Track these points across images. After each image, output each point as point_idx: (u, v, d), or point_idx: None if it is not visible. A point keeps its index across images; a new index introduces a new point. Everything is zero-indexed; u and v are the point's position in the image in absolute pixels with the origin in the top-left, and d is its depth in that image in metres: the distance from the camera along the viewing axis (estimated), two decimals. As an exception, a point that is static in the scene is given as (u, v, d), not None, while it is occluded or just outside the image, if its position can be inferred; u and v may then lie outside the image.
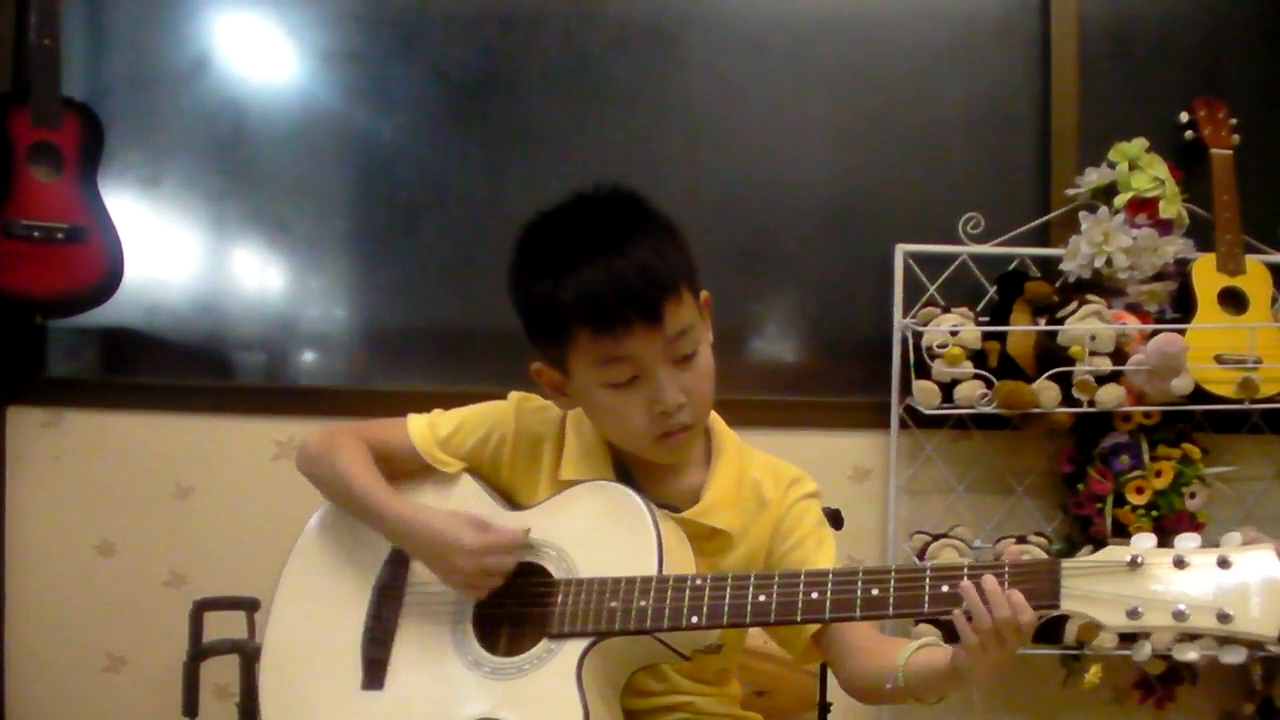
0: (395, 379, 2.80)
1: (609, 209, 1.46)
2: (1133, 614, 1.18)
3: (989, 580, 1.24)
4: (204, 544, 2.65)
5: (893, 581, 1.31)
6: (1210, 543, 1.20)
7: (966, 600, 1.25)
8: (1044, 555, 2.51)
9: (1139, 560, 1.20)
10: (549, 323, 1.42)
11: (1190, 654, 1.20)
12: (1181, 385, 2.49)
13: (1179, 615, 1.16)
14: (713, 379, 1.48)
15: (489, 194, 2.80)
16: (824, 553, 1.53)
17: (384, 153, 2.83)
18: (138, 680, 2.64)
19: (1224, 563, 1.17)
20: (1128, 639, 2.38)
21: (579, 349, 1.41)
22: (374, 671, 1.49)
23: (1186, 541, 1.20)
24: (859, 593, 1.32)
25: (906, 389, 2.64)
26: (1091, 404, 2.52)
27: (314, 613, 1.55)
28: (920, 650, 1.36)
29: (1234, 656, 1.20)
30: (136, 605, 2.64)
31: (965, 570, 1.27)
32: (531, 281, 1.44)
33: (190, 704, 2.24)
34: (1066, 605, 1.22)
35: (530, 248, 1.47)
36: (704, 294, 1.50)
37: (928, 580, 1.29)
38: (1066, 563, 1.24)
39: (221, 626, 2.31)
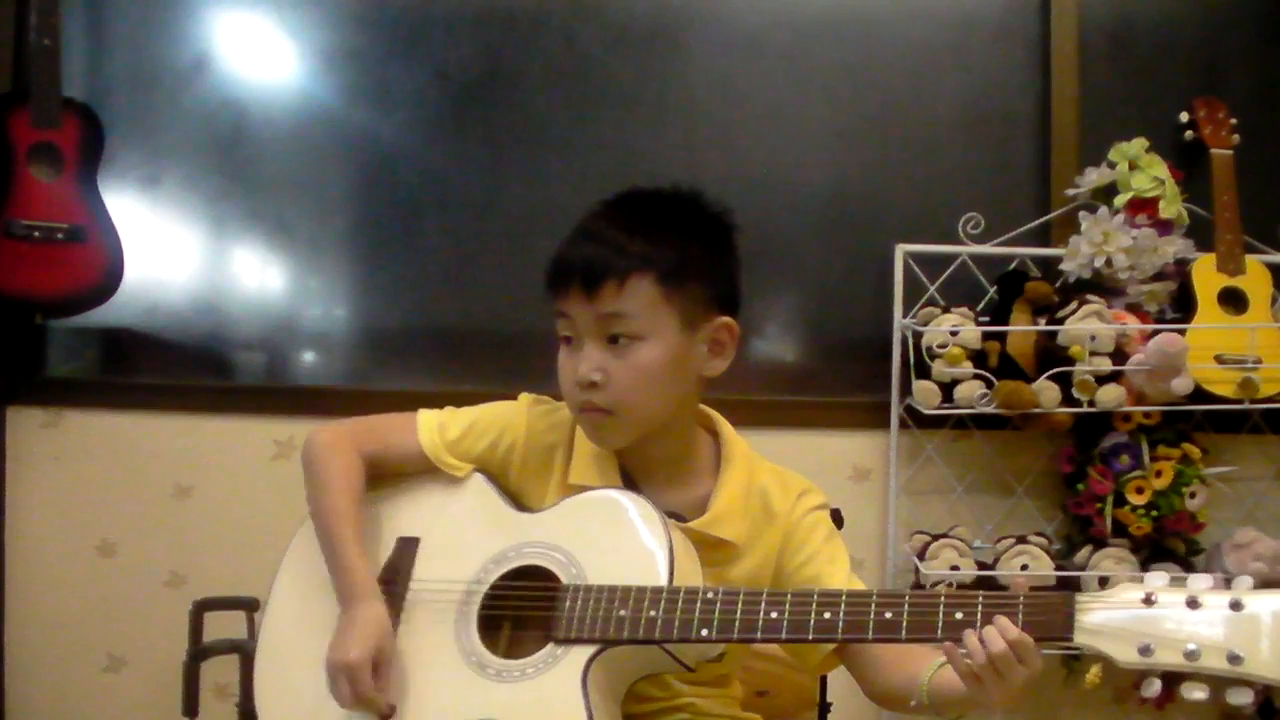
0: (395, 379, 2.79)
1: (651, 202, 1.53)
2: (1145, 651, 1.19)
3: (988, 629, 1.25)
4: (204, 544, 2.64)
5: (907, 606, 1.31)
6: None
7: (965, 642, 1.26)
8: (1049, 566, 2.52)
9: (1152, 598, 1.21)
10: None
11: (1197, 694, 1.20)
12: (1181, 385, 2.49)
13: (1190, 655, 1.18)
14: (649, 381, 1.47)
15: (489, 194, 2.79)
16: (837, 567, 1.52)
17: (384, 153, 2.82)
18: (138, 680, 2.64)
19: (1236, 605, 1.18)
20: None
21: (552, 297, 1.51)
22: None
23: (1200, 581, 1.21)
24: (872, 615, 1.31)
25: (906, 389, 2.64)
26: (1091, 404, 2.52)
27: (312, 611, 1.53)
28: (943, 667, 1.36)
29: (1241, 698, 1.19)
30: (136, 605, 2.64)
31: (980, 600, 1.28)
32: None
33: (190, 704, 2.25)
34: (1079, 640, 1.23)
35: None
36: (723, 320, 1.53)
37: (942, 607, 1.29)
38: (1080, 597, 1.25)
39: (221, 626, 2.32)
